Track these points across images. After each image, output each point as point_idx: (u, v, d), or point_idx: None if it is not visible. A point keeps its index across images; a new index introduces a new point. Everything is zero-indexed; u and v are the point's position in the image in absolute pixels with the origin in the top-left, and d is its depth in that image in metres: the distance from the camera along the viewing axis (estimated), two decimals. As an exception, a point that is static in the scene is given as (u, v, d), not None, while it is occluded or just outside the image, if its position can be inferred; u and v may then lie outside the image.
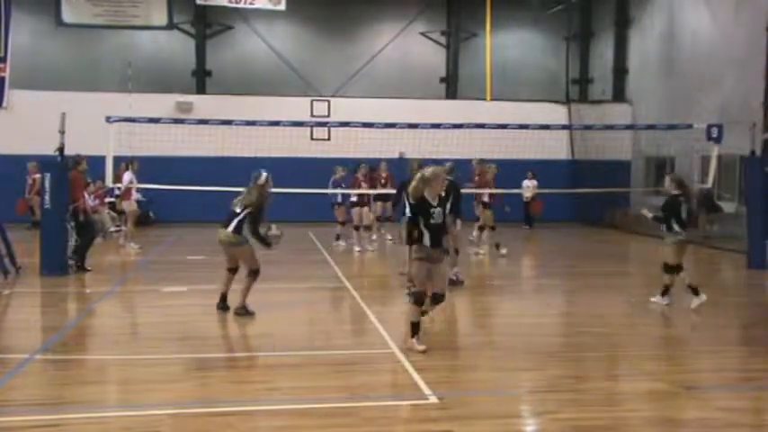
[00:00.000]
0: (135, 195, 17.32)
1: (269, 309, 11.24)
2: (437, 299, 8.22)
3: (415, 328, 7.88)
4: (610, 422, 5.93)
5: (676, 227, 10.28)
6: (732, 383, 7.21)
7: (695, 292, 10.33)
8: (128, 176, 16.77)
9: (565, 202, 22.70)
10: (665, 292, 10.47)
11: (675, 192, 10.42)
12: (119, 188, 19.13)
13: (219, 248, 10.09)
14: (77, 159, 13.56)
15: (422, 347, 7.76)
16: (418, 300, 7.95)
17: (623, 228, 22.58)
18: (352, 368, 7.27)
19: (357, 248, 16.43)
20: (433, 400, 6.31)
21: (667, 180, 10.76)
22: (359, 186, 16.61)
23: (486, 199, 16.03)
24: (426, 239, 7.84)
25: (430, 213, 7.82)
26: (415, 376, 6.95)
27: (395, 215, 17.48)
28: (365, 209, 16.63)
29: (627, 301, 11.01)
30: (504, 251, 15.78)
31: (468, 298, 11.99)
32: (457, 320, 10.56)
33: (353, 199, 16.54)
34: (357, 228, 16.62)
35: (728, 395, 6.75)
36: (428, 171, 7.97)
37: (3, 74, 22.41)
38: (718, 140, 15.74)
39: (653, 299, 10.56)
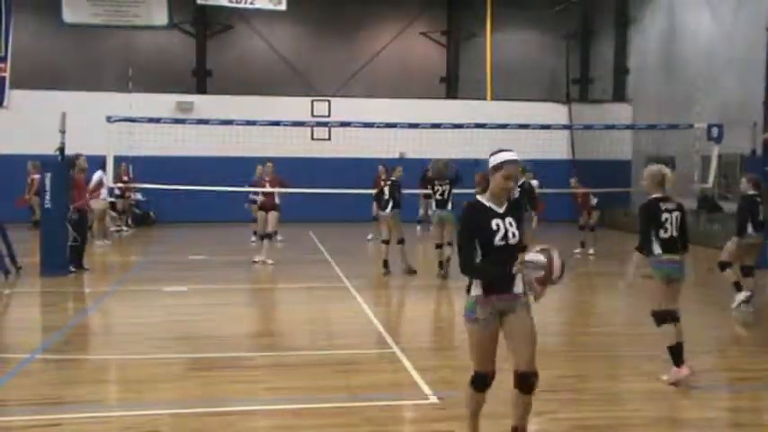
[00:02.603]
0: (104, 194, 17.34)
1: (269, 308, 11.26)
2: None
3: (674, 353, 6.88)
4: (610, 422, 5.93)
5: (750, 228, 10.01)
6: (732, 383, 7.22)
7: (738, 287, 10.16)
8: (98, 175, 16.78)
9: (565, 201, 22.69)
10: (738, 287, 10.14)
11: (752, 192, 10.15)
12: (119, 188, 19.24)
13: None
14: (72, 160, 13.54)
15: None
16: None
17: (624, 227, 22.55)
18: (352, 368, 7.27)
19: (256, 258, 14.42)
20: (433, 400, 6.30)
21: (744, 180, 10.45)
22: (263, 188, 14.66)
23: None
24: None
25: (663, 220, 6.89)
26: (415, 376, 6.96)
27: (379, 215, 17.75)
28: (270, 214, 14.47)
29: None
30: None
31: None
32: (457, 320, 10.57)
33: (257, 202, 14.55)
34: (262, 237, 14.63)
35: (728, 395, 6.76)
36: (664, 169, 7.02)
37: (3, 74, 22.41)
38: (718, 140, 15.74)
39: (734, 305, 10.13)
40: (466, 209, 4.96)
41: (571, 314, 10.71)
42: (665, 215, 6.86)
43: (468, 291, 4.92)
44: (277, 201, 14.66)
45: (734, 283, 10.23)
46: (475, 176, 10.53)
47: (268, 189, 14.48)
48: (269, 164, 14.80)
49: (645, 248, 6.94)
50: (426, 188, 15.24)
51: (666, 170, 7.00)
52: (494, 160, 4.91)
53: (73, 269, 13.02)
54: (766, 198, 10.34)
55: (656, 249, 6.87)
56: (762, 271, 13.76)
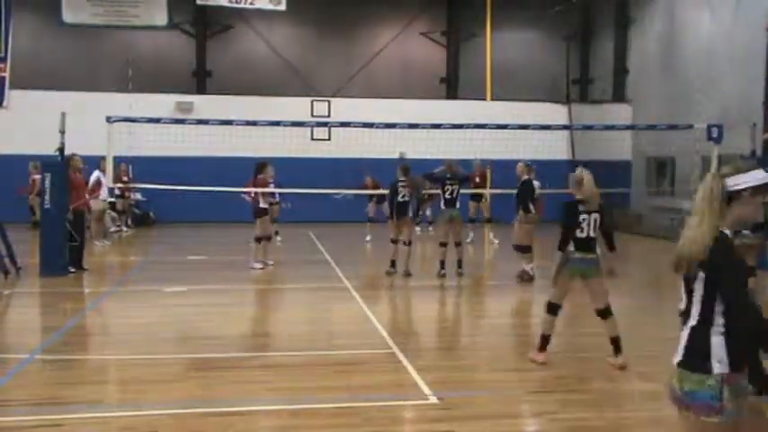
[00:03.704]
0: (103, 194, 17.32)
1: (269, 309, 11.26)
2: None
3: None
4: (610, 422, 5.93)
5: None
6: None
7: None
8: (95, 175, 16.78)
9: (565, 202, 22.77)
10: None
11: None
12: (119, 188, 19.24)
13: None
14: (66, 160, 13.52)
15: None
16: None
17: (623, 228, 22.55)
18: (352, 368, 7.27)
19: (258, 265, 13.81)
20: (433, 400, 6.30)
21: None
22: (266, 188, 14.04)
23: None
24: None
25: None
26: (415, 376, 6.95)
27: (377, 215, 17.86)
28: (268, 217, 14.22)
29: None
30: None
31: (469, 298, 12.00)
32: (457, 320, 10.57)
33: (263, 205, 13.86)
34: (260, 239, 13.98)
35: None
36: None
37: (3, 74, 22.41)
38: (718, 140, 15.72)
39: None
40: (731, 244, 3.29)
41: (570, 315, 10.69)
42: (582, 216, 7.28)
43: (704, 364, 3.26)
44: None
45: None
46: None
47: (275, 190, 14.41)
48: (270, 165, 14.29)
49: (563, 247, 7.42)
50: (427, 187, 15.26)
51: (585, 174, 7.47)
52: (754, 178, 3.34)
53: (72, 270, 13.02)
54: (764, 199, 10.33)
55: (570, 247, 7.32)
56: (762, 271, 13.79)
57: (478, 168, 18.83)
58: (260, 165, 14.14)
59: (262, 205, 13.85)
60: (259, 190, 13.91)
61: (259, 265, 13.79)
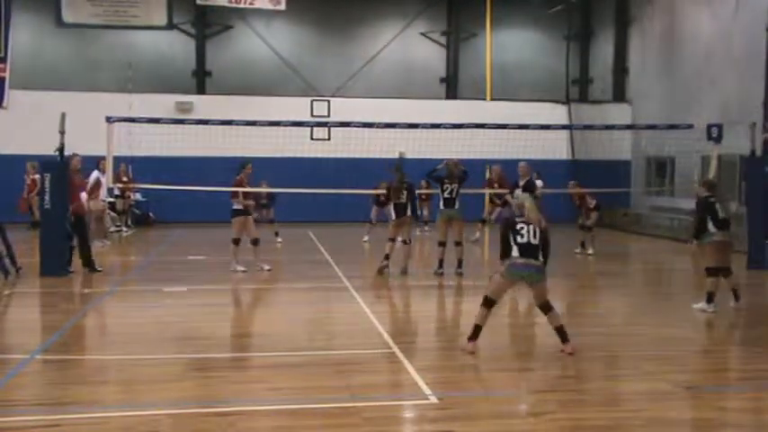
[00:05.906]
0: (103, 194, 17.30)
1: (269, 309, 11.26)
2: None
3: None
4: (610, 422, 5.93)
5: (711, 227, 10.16)
6: (732, 383, 7.21)
7: (736, 296, 10.29)
8: (95, 175, 16.78)
9: (564, 202, 22.74)
10: (710, 298, 10.03)
11: (706, 194, 10.39)
12: (118, 188, 19.23)
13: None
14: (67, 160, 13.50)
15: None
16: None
17: (623, 228, 22.57)
18: (352, 368, 7.27)
19: (240, 268, 13.36)
20: (433, 400, 6.30)
21: (699, 185, 10.90)
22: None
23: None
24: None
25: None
26: (415, 376, 6.95)
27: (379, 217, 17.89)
28: (251, 218, 13.57)
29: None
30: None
31: (469, 298, 12.00)
32: (457, 320, 10.57)
33: (237, 207, 13.33)
34: (237, 242, 13.42)
35: (728, 395, 6.75)
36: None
37: (3, 74, 22.39)
38: (718, 140, 15.72)
39: (696, 305, 10.16)
40: None
41: (570, 314, 10.70)
42: (520, 224, 7.70)
43: None
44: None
45: (732, 290, 10.29)
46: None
47: (267, 190, 14.30)
48: (250, 164, 13.76)
49: (506, 254, 7.79)
50: (428, 186, 15.31)
51: (526, 200, 7.94)
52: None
53: (71, 270, 12.99)
54: (720, 199, 10.51)
55: (514, 252, 7.69)
56: (762, 271, 13.79)
57: (496, 173, 18.83)
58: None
59: (235, 206, 13.38)
60: (248, 190, 13.69)
61: (240, 268, 13.39)
